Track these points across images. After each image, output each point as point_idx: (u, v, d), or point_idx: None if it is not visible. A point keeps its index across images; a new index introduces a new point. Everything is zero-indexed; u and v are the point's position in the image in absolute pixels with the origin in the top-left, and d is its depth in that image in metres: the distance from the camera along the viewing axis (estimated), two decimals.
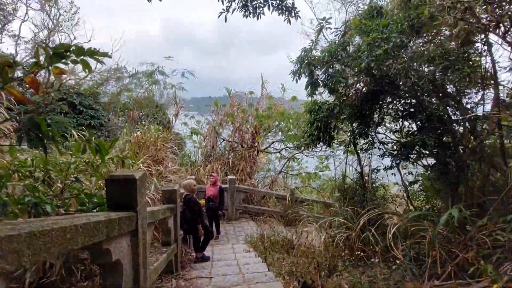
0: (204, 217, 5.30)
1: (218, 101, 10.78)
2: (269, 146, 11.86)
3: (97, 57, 2.17)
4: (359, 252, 4.22)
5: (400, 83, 3.65)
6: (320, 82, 5.56)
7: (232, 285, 3.67)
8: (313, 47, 5.53)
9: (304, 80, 5.96)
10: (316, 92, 5.84)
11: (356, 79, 3.94)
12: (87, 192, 2.14)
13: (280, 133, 11.51)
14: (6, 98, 5.22)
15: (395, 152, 4.13)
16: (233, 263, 4.75)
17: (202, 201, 5.74)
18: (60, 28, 11.16)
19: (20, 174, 2.75)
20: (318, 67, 5.38)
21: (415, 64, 3.74)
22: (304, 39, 7.42)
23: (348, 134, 5.93)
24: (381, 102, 4.20)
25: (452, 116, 3.98)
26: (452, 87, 3.82)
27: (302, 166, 13.26)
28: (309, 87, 5.85)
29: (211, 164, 9.99)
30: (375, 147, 4.63)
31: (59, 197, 2.23)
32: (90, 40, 12.06)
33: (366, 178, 6.18)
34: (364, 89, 3.87)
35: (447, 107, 3.83)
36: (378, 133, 4.80)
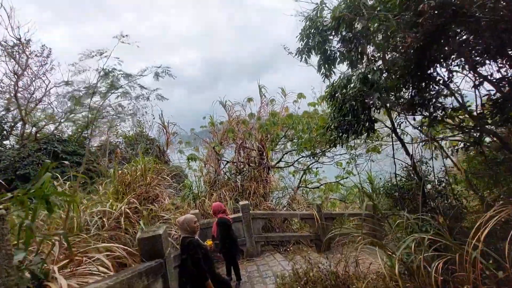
0: (213, 266, 3.70)
1: (214, 119, 9.44)
2: (280, 161, 10.31)
3: None
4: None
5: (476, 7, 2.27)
6: (338, 53, 4.21)
7: None
8: (318, 11, 4.25)
9: (309, 73, 4.63)
10: (334, 70, 4.47)
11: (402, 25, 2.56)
12: None
13: (289, 143, 10.01)
14: None
15: (487, 116, 2.64)
16: None
17: (209, 242, 4.13)
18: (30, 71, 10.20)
19: None
20: (333, 33, 4.06)
21: None
22: (301, 22, 6.18)
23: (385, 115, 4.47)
24: (448, 47, 2.75)
25: None
26: None
27: (320, 177, 11.62)
28: (323, 66, 4.51)
29: (217, 192, 8.41)
30: (445, 118, 3.09)
31: None
32: (68, 82, 11.10)
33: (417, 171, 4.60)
34: (422, 28, 2.47)
35: None
36: (445, 95, 3.28)
